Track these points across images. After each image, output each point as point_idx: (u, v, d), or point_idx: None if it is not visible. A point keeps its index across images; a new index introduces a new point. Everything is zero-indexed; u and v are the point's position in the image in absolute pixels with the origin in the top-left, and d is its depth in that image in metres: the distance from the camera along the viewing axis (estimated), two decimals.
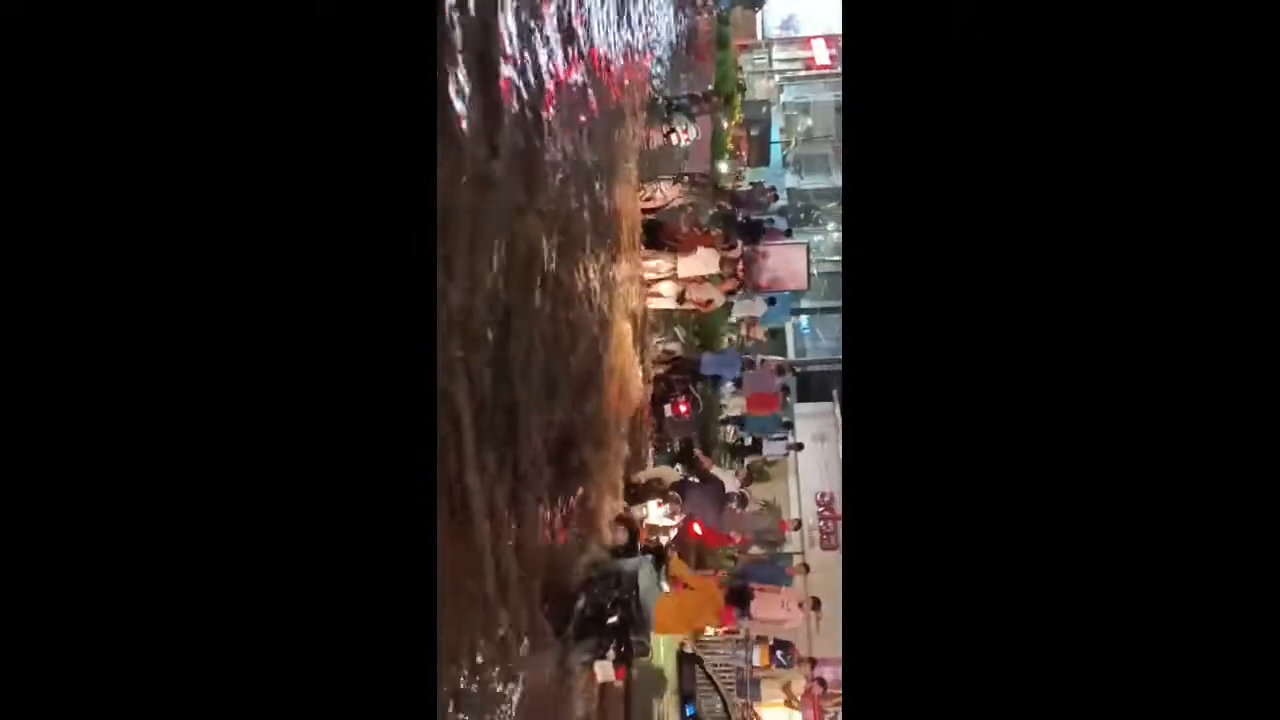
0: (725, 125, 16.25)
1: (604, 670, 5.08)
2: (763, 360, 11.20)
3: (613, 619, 4.89)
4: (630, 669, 5.37)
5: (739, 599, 7.12)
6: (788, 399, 12.36)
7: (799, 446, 13.46)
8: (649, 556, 5.56)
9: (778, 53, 22.75)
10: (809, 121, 22.05)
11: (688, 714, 5.98)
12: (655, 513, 6.57)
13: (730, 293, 8.97)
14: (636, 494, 6.80)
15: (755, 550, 11.23)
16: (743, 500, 8.73)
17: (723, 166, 14.93)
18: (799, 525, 13.98)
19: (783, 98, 22.29)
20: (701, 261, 7.98)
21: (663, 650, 5.80)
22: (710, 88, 14.56)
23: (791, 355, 17.36)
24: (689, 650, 6.16)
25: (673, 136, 9.73)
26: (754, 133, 18.96)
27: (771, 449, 12.81)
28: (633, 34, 8.32)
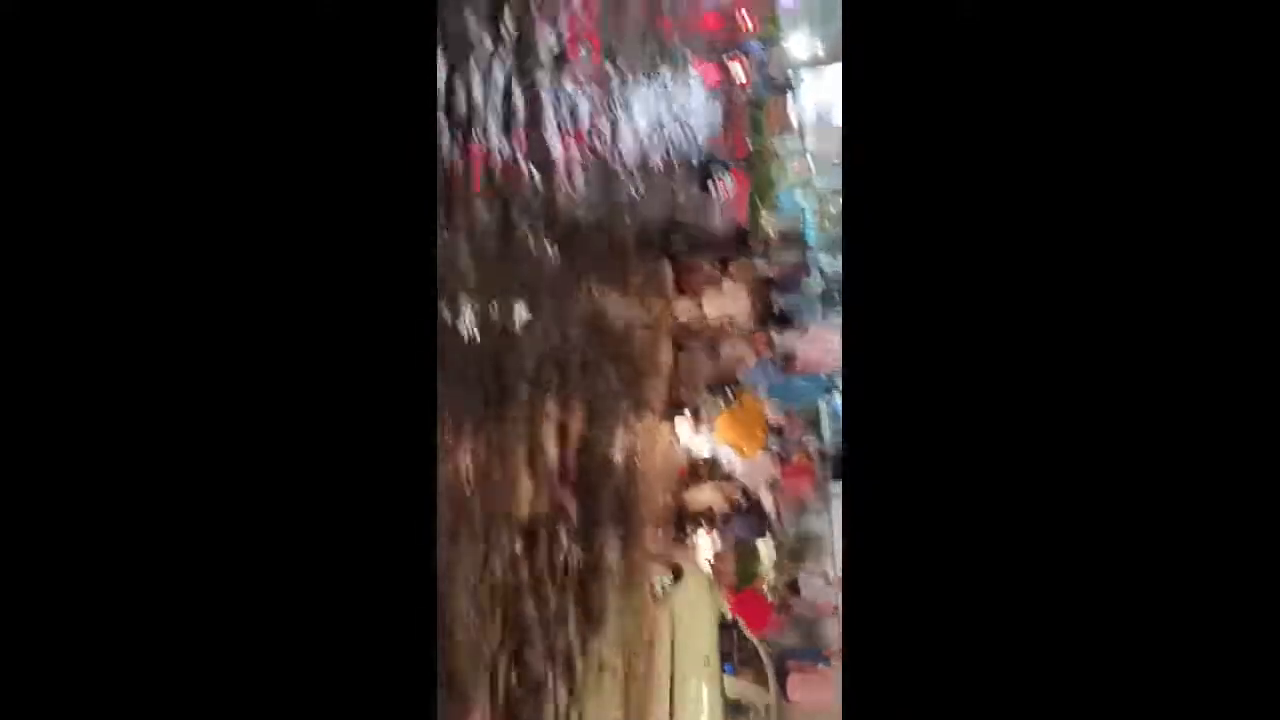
0: (760, 206, 16.38)
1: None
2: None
3: None
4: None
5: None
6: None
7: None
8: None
9: (810, 138, 23.00)
10: (842, 204, 22.18)
11: (726, 671, 7.13)
12: (704, 542, 7.24)
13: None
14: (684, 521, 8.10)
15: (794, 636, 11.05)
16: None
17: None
18: (836, 610, 13.68)
19: (815, 181, 22.43)
20: (730, 298, 7.95)
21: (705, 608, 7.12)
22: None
23: (827, 436, 17.20)
24: (730, 618, 7.44)
25: (710, 186, 9.83)
26: (784, 228, 19.07)
27: (810, 589, 12.64)
28: (666, 113, 8.45)
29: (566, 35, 4.97)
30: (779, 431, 9.82)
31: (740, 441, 8.22)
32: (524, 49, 4.26)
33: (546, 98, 4.60)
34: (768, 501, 8.92)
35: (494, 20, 3.86)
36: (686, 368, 8.55)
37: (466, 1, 3.44)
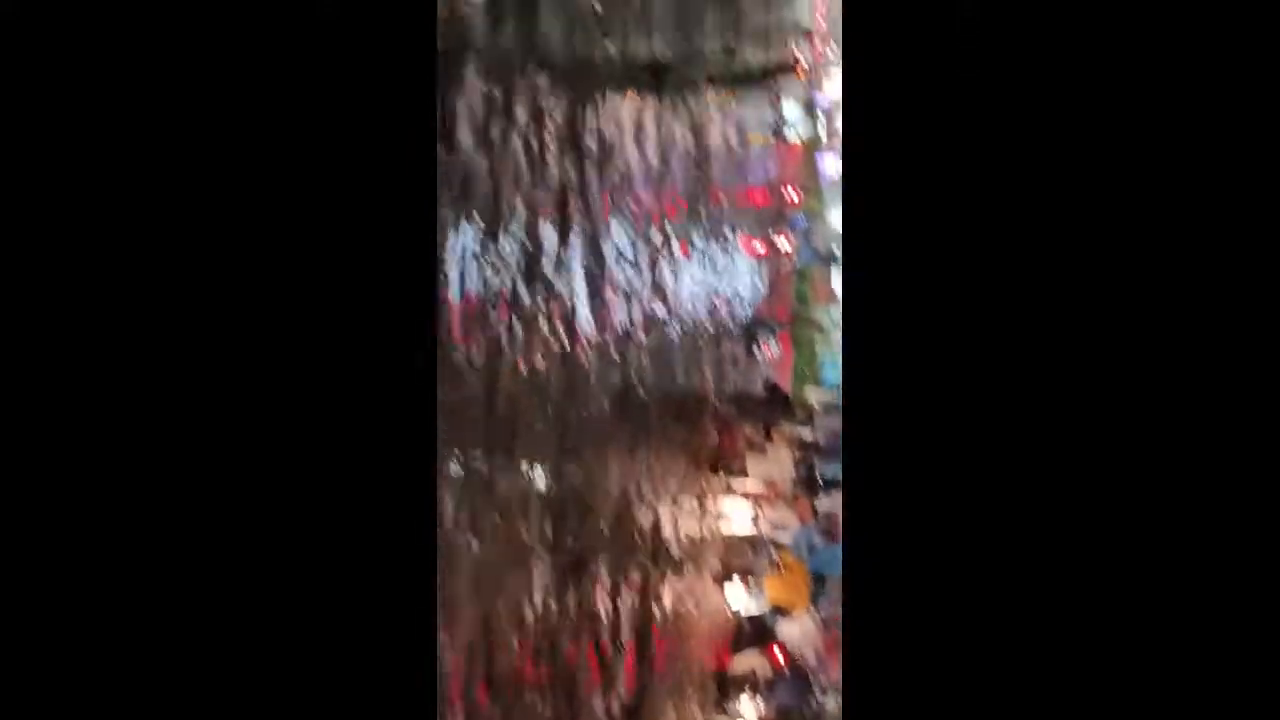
0: (804, 376, 16.49)
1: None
2: None
3: None
4: None
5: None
6: None
7: None
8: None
9: None
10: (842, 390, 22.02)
11: None
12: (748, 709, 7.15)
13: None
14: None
15: None
16: None
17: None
18: None
19: None
20: (773, 463, 7.93)
21: None
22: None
23: None
24: None
25: (755, 350, 9.91)
26: (827, 399, 19.06)
27: None
28: (714, 280, 8.71)
29: (617, 206, 5.24)
30: (822, 595, 9.70)
31: (785, 603, 8.13)
32: (582, 214, 4.51)
33: (595, 264, 4.81)
34: (811, 668, 8.73)
35: (562, 195, 4.10)
36: (729, 530, 8.53)
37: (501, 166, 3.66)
